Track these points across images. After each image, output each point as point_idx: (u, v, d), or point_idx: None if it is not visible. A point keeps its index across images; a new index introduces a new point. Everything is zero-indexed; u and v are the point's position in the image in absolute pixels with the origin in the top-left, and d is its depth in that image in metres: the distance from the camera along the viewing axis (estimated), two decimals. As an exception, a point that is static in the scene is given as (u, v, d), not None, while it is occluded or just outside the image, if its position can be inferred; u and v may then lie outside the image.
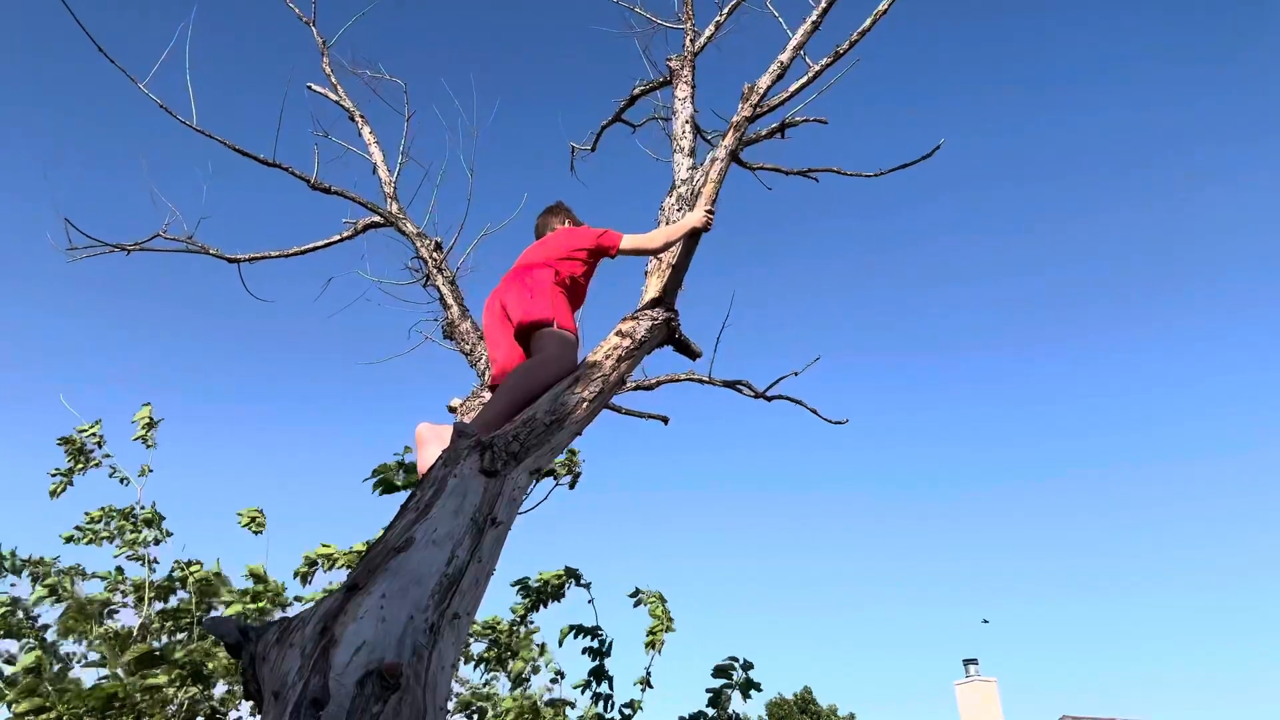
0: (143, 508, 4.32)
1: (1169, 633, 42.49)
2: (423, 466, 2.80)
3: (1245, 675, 38.35)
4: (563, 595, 4.18)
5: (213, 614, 3.87)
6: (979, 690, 25.85)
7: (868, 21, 3.99)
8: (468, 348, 4.16)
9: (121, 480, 4.53)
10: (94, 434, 4.56)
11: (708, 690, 3.98)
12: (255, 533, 4.38)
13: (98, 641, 3.58)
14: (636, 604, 4.30)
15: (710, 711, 3.93)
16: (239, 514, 4.34)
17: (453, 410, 3.67)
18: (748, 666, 3.95)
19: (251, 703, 1.65)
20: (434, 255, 4.52)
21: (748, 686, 3.89)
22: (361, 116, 5.15)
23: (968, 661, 26.51)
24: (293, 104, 5.63)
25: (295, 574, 4.08)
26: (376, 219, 4.75)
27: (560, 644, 4.16)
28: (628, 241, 3.20)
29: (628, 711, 4.00)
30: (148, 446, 4.57)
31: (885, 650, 45.35)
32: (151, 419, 4.67)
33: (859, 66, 4.32)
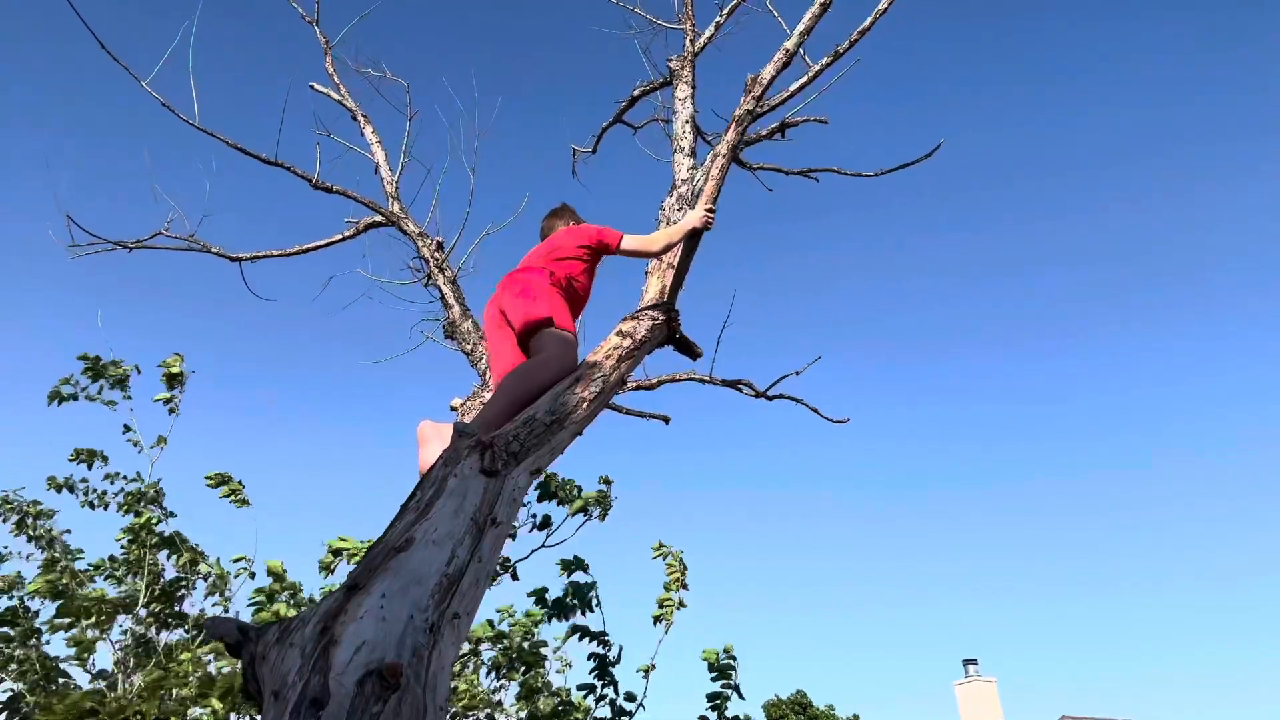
0: (152, 484, 3.97)
1: (1169, 633, 42.48)
2: (424, 465, 2.81)
3: (1245, 675, 38.33)
4: (590, 608, 4.13)
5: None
6: (979, 690, 25.84)
7: (868, 21, 3.99)
8: (469, 347, 4.16)
9: (135, 444, 4.09)
10: (123, 372, 4.11)
11: (709, 697, 3.99)
12: (237, 506, 3.99)
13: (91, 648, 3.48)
14: (656, 557, 4.33)
15: (712, 717, 3.94)
16: (207, 477, 3.95)
17: (454, 409, 3.68)
18: (731, 663, 4.01)
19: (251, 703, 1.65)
20: (435, 255, 4.52)
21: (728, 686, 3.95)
22: (364, 116, 5.16)
23: (968, 661, 26.50)
24: (295, 103, 5.65)
25: (321, 566, 3.95)
26: (378, 218, 4.75)
27: (563, 643, 4.17)
28: (628, 242, 3.20)
29: (629, 706, 3.99)
30: (171, 412, 4.09)
31: (885, 650, 45.34)
32: (180, 373, 4.15)
33: (859, 66, 4.32)
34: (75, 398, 4.10)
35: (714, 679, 4.05)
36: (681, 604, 4.20)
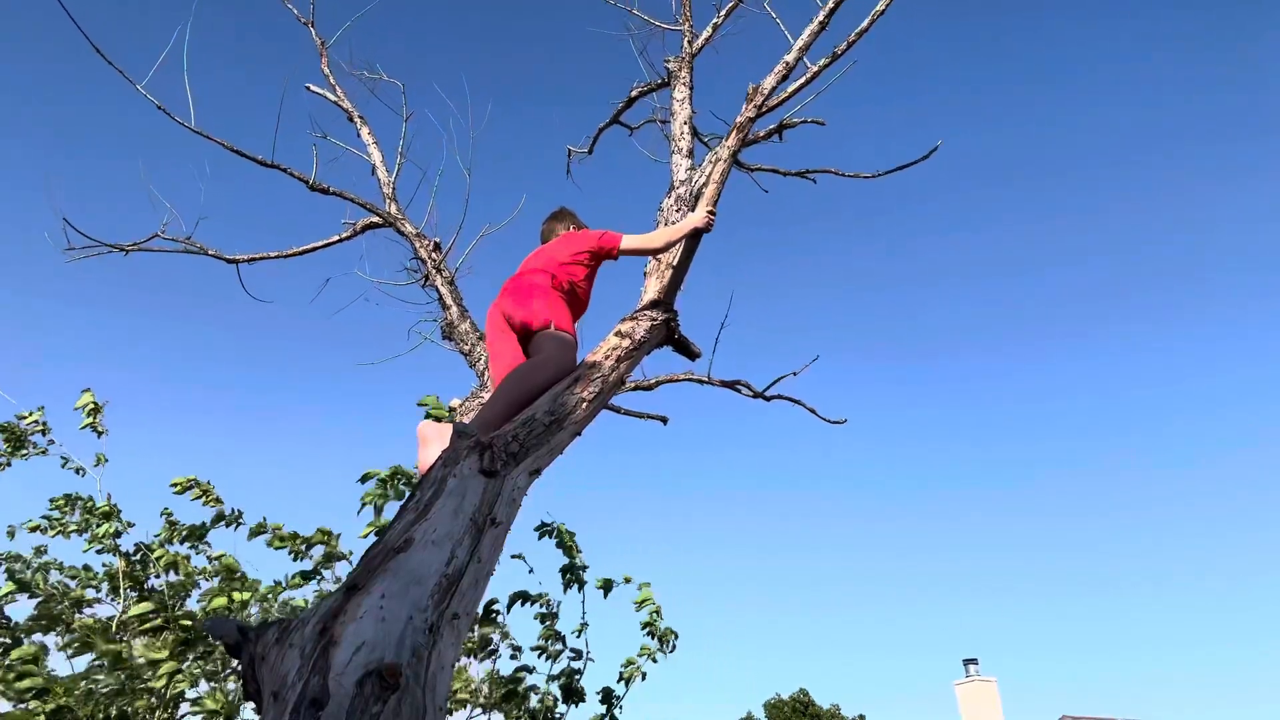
0: (104, 500, 4.20)
1: (1169, 633, 42.53)
2: (423, 465, 2.81)
3: (1245, 675, 38.38)
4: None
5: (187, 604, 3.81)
6: (979, 690, 25.85)
7: (865, 23, 4.00)
8: (466, 348, 4.16)
9: (77, 470, 4.35)
10: (37, 421, 4.43)
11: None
12: (206, 504, 4.07)
13: (72, 635, 3.52)
14: (541, 536, 3.85)
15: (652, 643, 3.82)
16: (173, 483, 4.10)
17: (452, 411, 3.67)
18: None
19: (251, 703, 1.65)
20: (433, 256, 4.52)
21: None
22: (360, 117, 5.16)
23: (968, 661, 26.52)
24: (291, 105, 5.66)
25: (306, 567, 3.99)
26: (375, 219, 4.75)
27: (509, 610, 3.95)
28: (628, 242, 3.20)
29: (579, 665, 3.79)
30: (98, 434, 4.33)
31: (885, 650, 45.36)
32: (96, 404, 4.43)
33: (857, 68, 4.33)
34: (9, 464, 4.38)
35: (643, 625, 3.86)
36: (654, 657, 3.96)
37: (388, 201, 4.79)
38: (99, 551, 3.95)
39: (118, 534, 3.97)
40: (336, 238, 4.83)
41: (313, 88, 5.30)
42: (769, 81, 3.71)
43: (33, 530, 4.25)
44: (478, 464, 2.08)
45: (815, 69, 4.12)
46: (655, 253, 3.28)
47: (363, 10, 5.62)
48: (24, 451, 4.39)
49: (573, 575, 3.79)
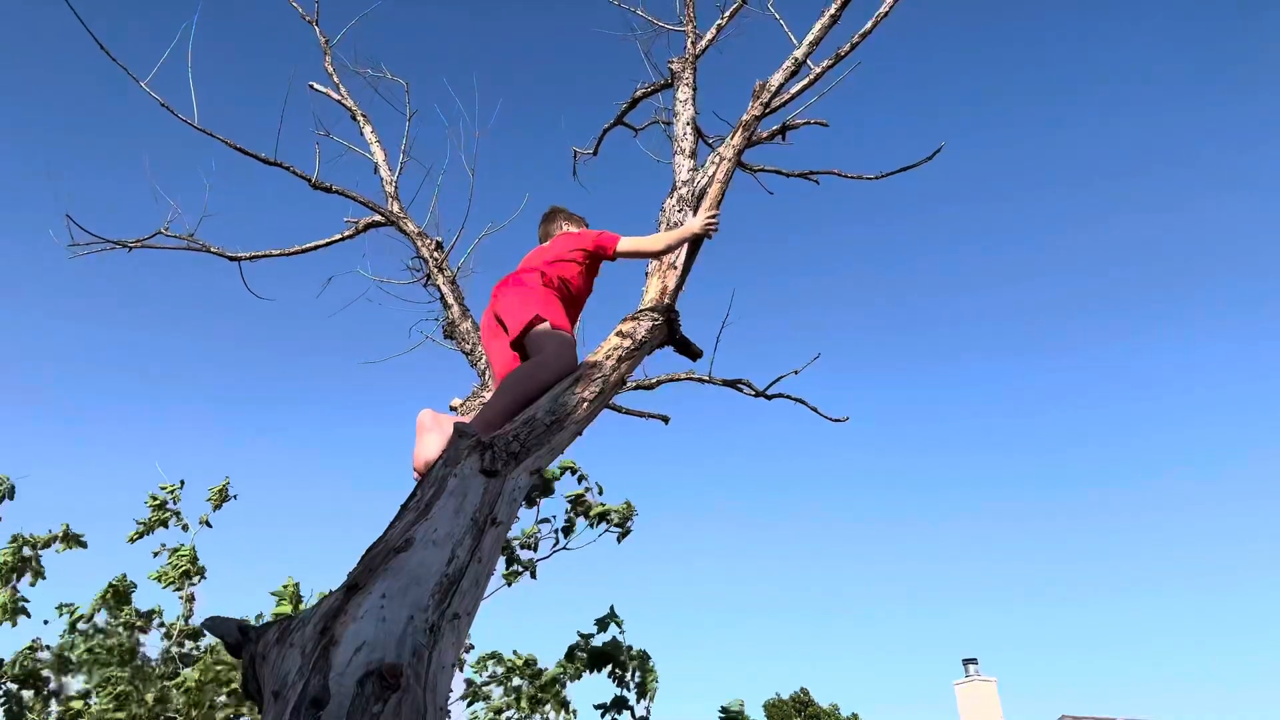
0: (192, 558, 4.91)
1: (1169, 633, 42.49)
2: (419, 453, 2.82)
3: (1245, 675, 38.35)
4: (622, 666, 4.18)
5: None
6: (979, 690, 25.84)
7: (869, 24, 3.99)
8: (468, 347, 4.17)
9: (183, 527, 5.07)
10: (173, 493, 5.12)
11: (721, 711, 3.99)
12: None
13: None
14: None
15: None
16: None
17: (454, 409, 3.68)
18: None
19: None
20: (435, 255, 4.53)
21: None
22: (363, 116, 5.16)
23: (968, 661, 26.51)
24: (294, 103, 5.66)
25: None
26: (378, 218, 4.76)
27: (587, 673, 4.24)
28: (626, 244, 3.18)
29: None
30: (214, 509, 5.15)
31: (885, 650, 45.34)
32: (225, 493, 5.17)
33: (860, 69, 4.32)
34: (150, 532, 5.07)
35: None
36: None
37: (390, 200, 4.80)
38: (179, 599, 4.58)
39: (187, 584, 4.54)
40: (339, 236, 4.84)
41: (316, 86, 5.31)
42: (776, 79, 3.69)
43: (155, 579, 4.91)
44: (479, 464, 2.09)
45: (819, 70, 4.11)
46: (653, 256, 3.27)
47: (367, 9, 5.62)
48: (162, 522, 5.07)
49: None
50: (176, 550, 4.97)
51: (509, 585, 4.20)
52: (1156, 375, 49.27)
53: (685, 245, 3.16)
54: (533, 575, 4.32)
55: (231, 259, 4.80)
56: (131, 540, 4.98)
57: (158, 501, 5.05)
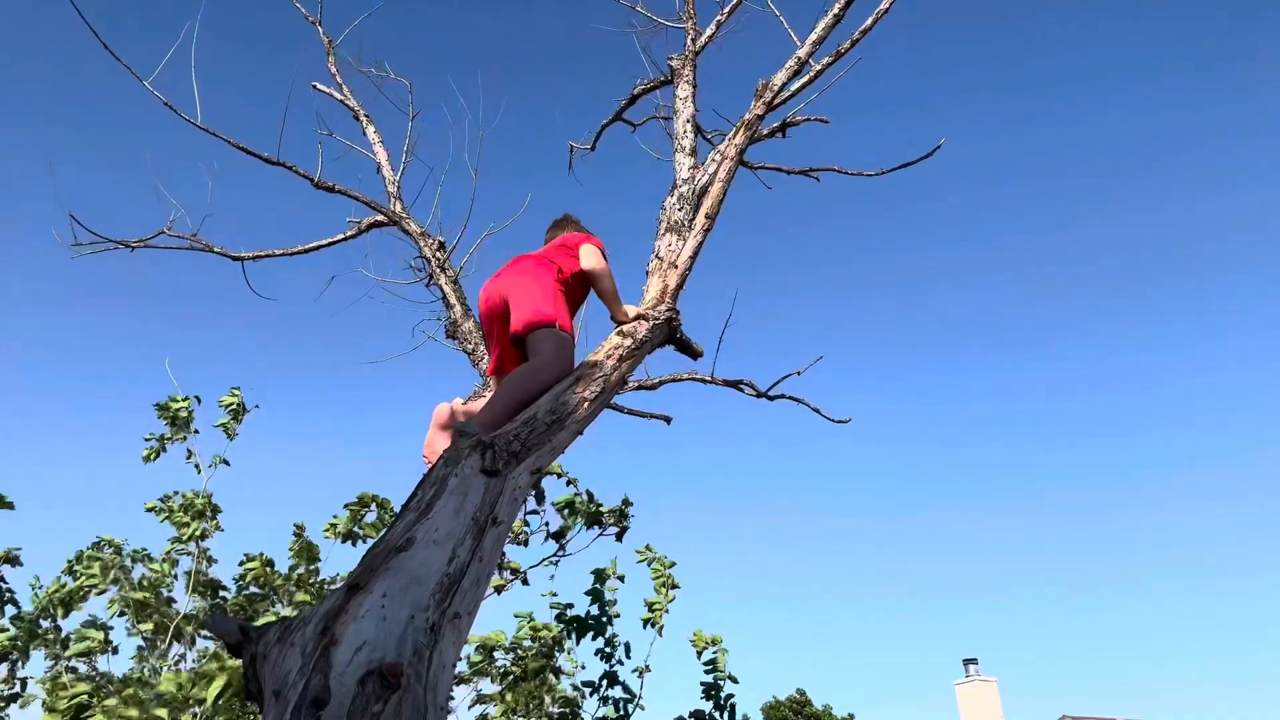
0: (204, 498, 4.25)
1: (1169, 633, 42.47)
2: (430, 446, 2.85)
3: (1245, 675, 38.32)
4: (604, 630, 4.21)
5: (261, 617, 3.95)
6: (979, 690, 25.85)
7: (869, 20, 3.99)
8: (470, 347, 4.17)
9: (195, 466, 4.46)
10: (186, 408, 4.53)
11: (703, 686, 4.03)
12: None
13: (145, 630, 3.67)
14: (641, 561, 4.40)
15: (707, 706, 3.97)
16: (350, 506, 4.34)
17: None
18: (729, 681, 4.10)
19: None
20: (437, 255, 4.53)
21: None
22: (366, 116, 5.16)
23: (968, 661, 26.51)
24: (297, 103, 5.64)
25: (330, 529, 4.14)
26: (380, 218, 4.76)
27: (577, 643, 4.24)
28: (588, 264, 3.09)
29: (625, 697, 4.04)
30: (229, 436, 4.51)
31: (885, 650, 45.32)
32: (241, 405, 4.58)
33: (860, 65, 4.32)
34: (164, 449, 4.47)
35: (706, 671, 4.10)
36: (671, 584, 4.28)
37: (392, 200, 4.80)
38: (178, 553, 4.10)
39: (203, 535, 4.11)
40: (341, 236, 4.84)
41: (319, 86, 5.31)
42: (779, 77, 3.68)
43: (148, 510, 4.37)
44: (479, 463, 2.08)
45: (819, 67, 4.11)
46: (599, 293, 3.11)
47: (370, 10, 5.62)
48: (182, 434, 4.45)
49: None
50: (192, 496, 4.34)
51: (498, 594, 4.23)
52: (1158, 374, 49.23)
53: (687, 246, 3.16)
54: (524, 582, 4.33)
55: (234, 259, 4.80)
56: (146, 459, 4.39)
57: (170, 412, 4.44)
